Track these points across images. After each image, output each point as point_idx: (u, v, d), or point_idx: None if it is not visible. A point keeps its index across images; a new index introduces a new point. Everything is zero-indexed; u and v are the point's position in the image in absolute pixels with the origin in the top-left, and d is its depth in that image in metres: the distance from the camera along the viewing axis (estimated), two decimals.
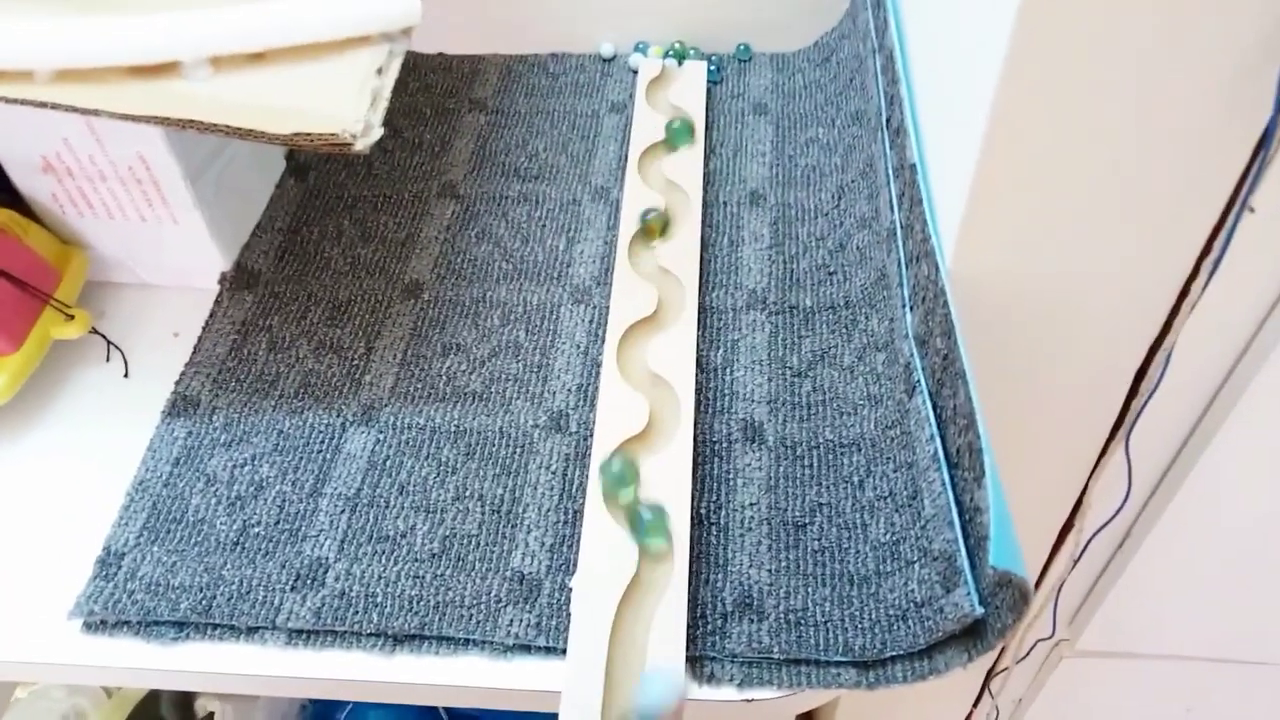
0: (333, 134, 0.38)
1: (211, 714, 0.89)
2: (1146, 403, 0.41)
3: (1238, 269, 0.37)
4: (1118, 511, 0.47)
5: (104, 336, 0.51)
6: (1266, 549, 0.53)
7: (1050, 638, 0.61)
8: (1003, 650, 0.64)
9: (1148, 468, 0.48)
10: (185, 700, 0.90)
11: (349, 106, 0.40)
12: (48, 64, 0.39)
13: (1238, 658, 0.64)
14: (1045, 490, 0.49)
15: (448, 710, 0.84)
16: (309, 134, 0.38)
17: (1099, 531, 0.49)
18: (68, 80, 0.39)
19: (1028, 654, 0.63)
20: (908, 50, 0.49)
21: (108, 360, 0.51)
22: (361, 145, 0.39)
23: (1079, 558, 0.51)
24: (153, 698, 0.89)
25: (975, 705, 0.75)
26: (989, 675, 0.68)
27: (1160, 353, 0.39)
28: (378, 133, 0.40)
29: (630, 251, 0.52)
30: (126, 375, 0.50)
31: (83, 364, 0.51)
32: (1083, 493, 0.49)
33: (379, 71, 0.42)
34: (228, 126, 0.38)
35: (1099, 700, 0.73)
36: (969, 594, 0.34)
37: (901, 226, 0.45)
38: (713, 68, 0.65)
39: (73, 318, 0.49)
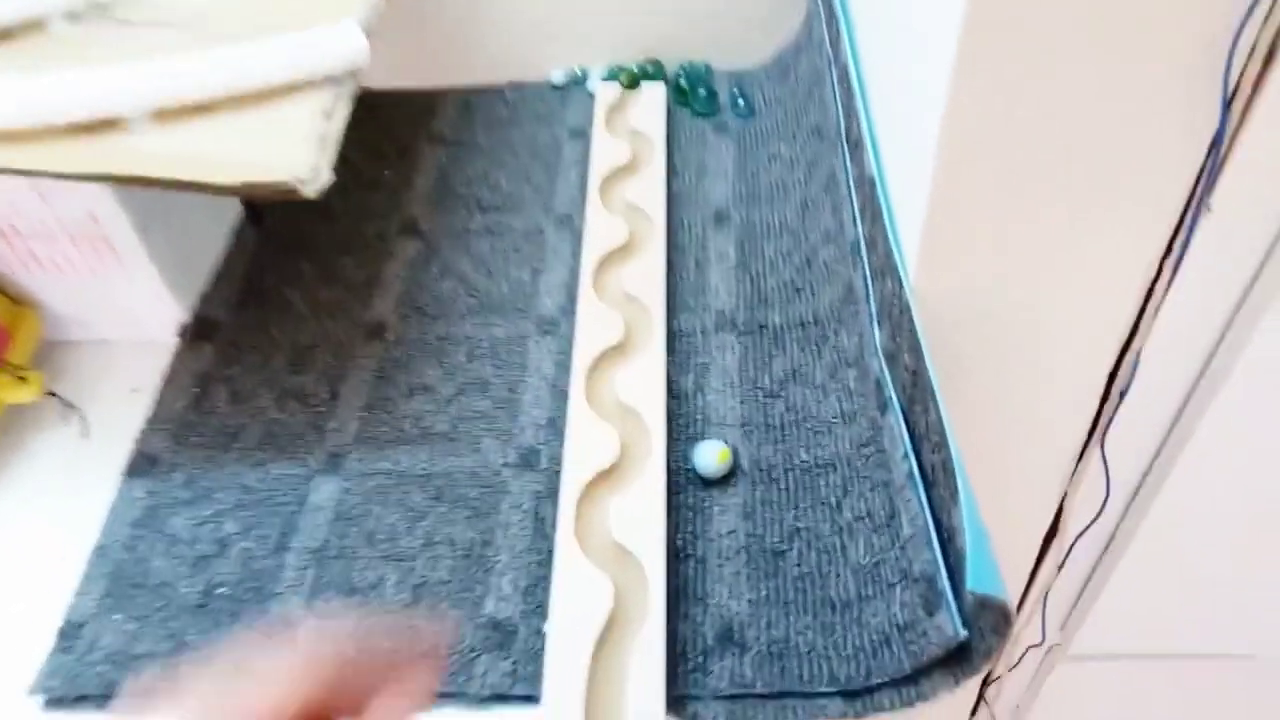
0: (282, 182, 0.38)
1: None
2: (1119, 406, 0.41)
3: (1201, 268, 0.36)
4: (1098, 515, 0.47)
5: (59, 397, 0.50)
6: (1252, 540, 0.52)
7: (1041, 644, 0.61)
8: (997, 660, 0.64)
9: (1126, 470, 0.47)
10: None
11: (297, 153, 0.39)
12: None
13: (1231, 651, 0.63)
14: (1026, 498, 0.49)
15: None
16: (257, 183, 0.37)
17: (1081, 535, 0.49)
18: (6, 141, 0.38)
19: (1019, 661, 0.62)
20: (862, 62, 0.48)
21: (66, 420, 0.50)
22: (311, 191, 0.38)
23: (1063, 563, 0.50)
24: None
25: (973, 715, 0.74)
26: (984, 684, 0.67)
27: (1129, 355, 0.39)
28: (328, 177, 0.39)
29: (595, 279, 0.52)
30: (85, 435, 0.49)
31: (39, 426, 0.49)
32: (1063, 499, 0.48)
33: (326, 115, 0.41)
34: (174, 181, 0.37)
35: (1096, 703, 0.72)
36: (951, 617, 0.33)
37: (864, 241, 0.45)
38: (739, 98, 0.63)
39: (26, 380, 0.48)
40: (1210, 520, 0.49)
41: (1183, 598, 0.55)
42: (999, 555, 0.31)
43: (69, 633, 0.41)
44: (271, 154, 0.39)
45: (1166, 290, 0.37)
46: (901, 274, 0.38)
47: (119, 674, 0.39)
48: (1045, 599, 0.54)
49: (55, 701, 0.39)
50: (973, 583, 0.30)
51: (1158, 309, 0.37)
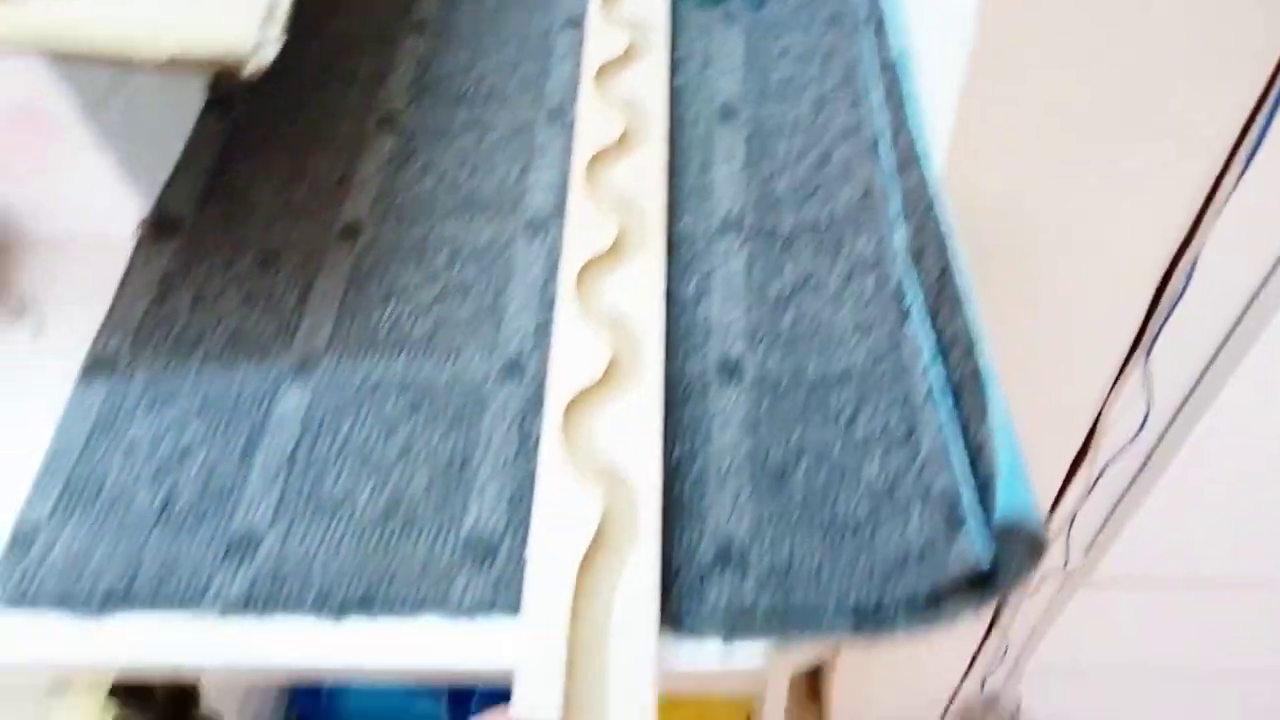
0: (217, 56, 0.33)
1: (199, 677, 0.86)
2: (1169, 317, 0.37)
3: (1273, 164, 0.32)
4: (1136, 435, 0.43)
5: (12, 295, 0.46)
6: None
7: (1064, 568, 0.58)
8: None
9: (1169, 388, 0.43)
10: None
11: (237, 22, 0.34)
12: None
13: (1257, 576, 0.60)
14: (1058, 416, 0.45)
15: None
16: (189, 57, 0.33)
17: (1115, 457, 0.45)
18: None
19: (1038, 586, 0.59)
20: None
21: (18, 320, 0.46)
22: (252, 68, 0.34)
23: (1092, 488, 0.47)
24: None
25: (984, 641, 0.72)
26: (997, 610, 0.65)
27: (1184, 261, 0.35)
28: (272, 53, 0.35)
29: (588, 178, 0.47)
30: (37, 337, 0.46)
31: None
32: (1097, 418, 0.44)
33: None
34: (93, 52, 0.32)
35: (1115, 631, 0.69)
36: (972, 543, 0.30)
37: (889, 133, 0.40)
38: None
39: None
40: (1254, 446, 0.45)
41: (1216, 523, 0.52)
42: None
43: (21, 539, 0.38)
44: (209, 24, 0.34)
45: (1234, 187, 0.32)
46: (926, 164, 0.33)
47: (73, 584, 0.36)
48: (1071, 522, 0.51)
49: (7, 604, 0.36)
50: (1003, 505, 0.26)
51: (1221, 209, 0.32)
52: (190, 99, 0.52)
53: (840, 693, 0.89)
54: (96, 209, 0.47)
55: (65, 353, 0.44)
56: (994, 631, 0.70)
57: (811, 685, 1.02)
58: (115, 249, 0.47)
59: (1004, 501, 0.26)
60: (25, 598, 0.36)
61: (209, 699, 0.85)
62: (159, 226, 0.48)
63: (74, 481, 0.40)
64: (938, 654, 0.77)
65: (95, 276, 0.47)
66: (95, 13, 0.34)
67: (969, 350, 0.30)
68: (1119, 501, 0.53)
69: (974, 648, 0.75)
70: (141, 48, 0.32)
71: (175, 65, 0.32)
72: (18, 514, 0.39)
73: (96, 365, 0.43)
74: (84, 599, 0.36)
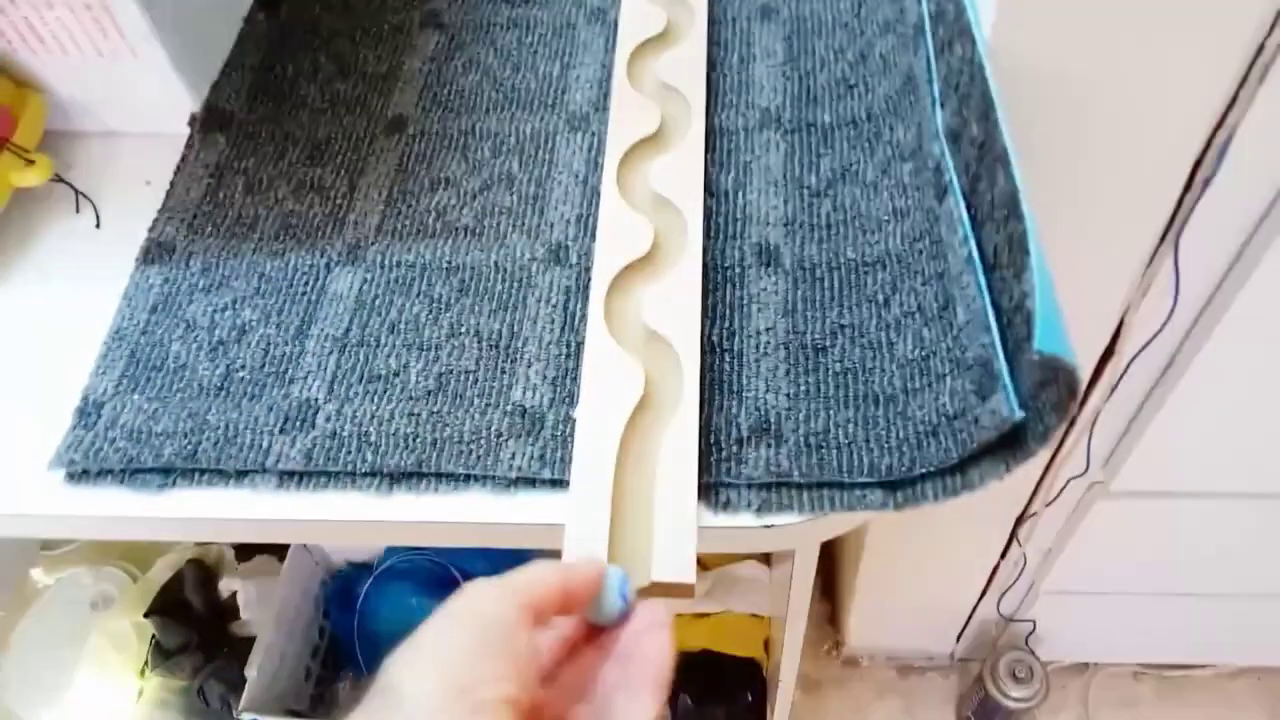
0: None
1: (234, 593, 0.89)
2: (1199, 199, 0.37)
3: None
4: (1162, 328, 0.44)
5: (71, 185, 0.48)
6: None
7: (1083, 475, 0.59)
8: (1033, 493, 0.62)
9: (1197, 279, 0.44)
10: (208, 581, 0.91)
11: None
12: None
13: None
14: (1084, 310, 0.45)
15: (467, 578, 0.84)
16: None
17: (1140, 354, 0.46)
18: None
19: (1059, 495, 0.60)
20: None
21: (77, 211, 0.48)
22: None
23: (1117, 385, 0.48)
24: (176, 581, 0.90)
25: (1003, 555, 0.73)
26: (1018, 521, 0.66)
27: (1219, 136, 0.35)
28: None
29: (630, 69, 0.48)
30: (98, 225, 0.47)
31: (51, 215, 0.48)
32: (1124, 313, 0.45)
33: None
34: None
35: (1132, 546, 0.70)
36: (1007, 398, 0.31)
37: (931, 16, 0.41)
38: None
39: (33, 163, 0.46)
40: (1278, 346, 0.46)
41: (1247, 431, 0.53)
42: None
43: (88, 410, 0.40)
44: None
45: (1273, 60, 0.33)
46: (977, 34, 0.34)
47: (139, 450, 0.38)
48: (1092, 426, 0.52)
49: (76, 476, 0.38)
50: (1041, 343, 0.27)
51: (1262, 78, 0.33)
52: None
53: (857, 616, 0.91)
54: (151, 102, 0.49)
55: (123, 240, 0.46)
56: (1011, 549, 0.71)
57: (828, 609, 1.04)
58: (169, 142, 0.49)
59: (1042, 341, 0.27)
60: (94, 462, 0.38)
61: (244, 613, 0.89)
62: (210, 120, 0.49)
63: (138, 356, 0.41)
64: (955, 574, 0.79)
65: (150, 167, 0.49)
66: None
67: (1009, 214, 0.31)
68: (1141, 405, 0.53)
69: (991, 566, 0.76)
70: None
71: None
72: (84, 387, 0.41)
73: (155, 250, 0.45)
74: (150, 463, 0.38)
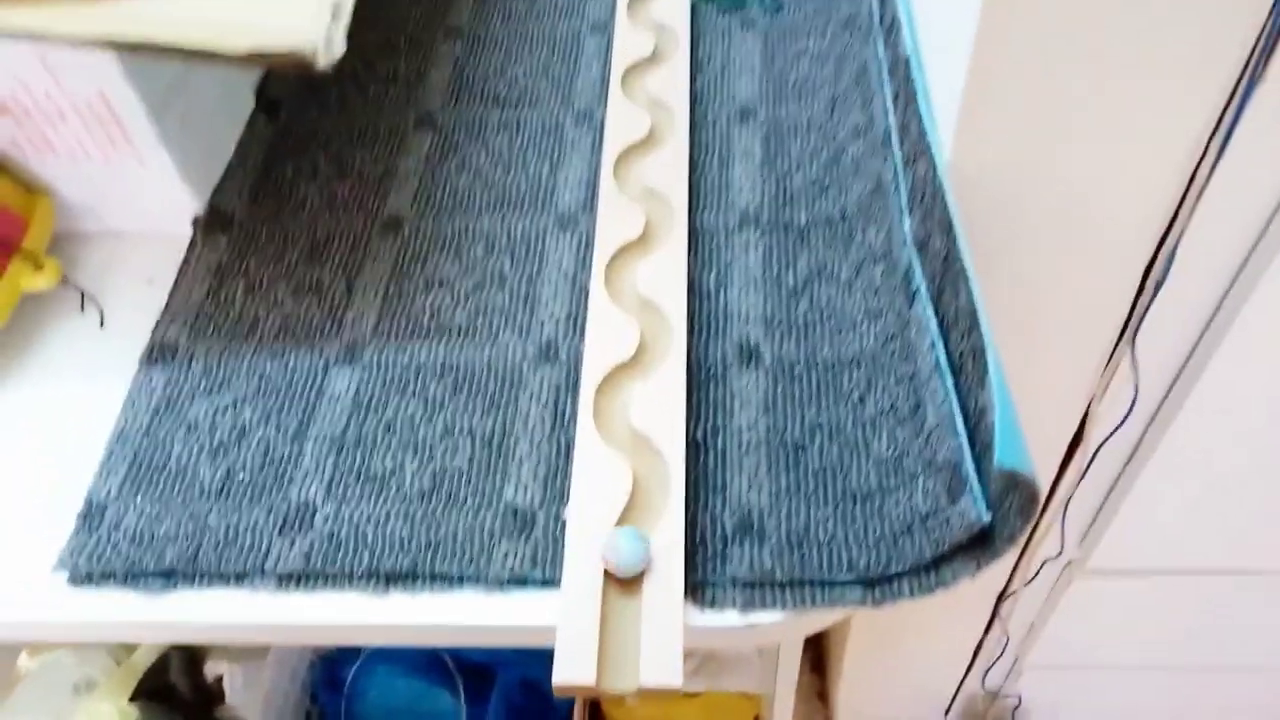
0: (294, 50, 0.36)
1: (220, 677, 0.89)
2: (1153, 300, 0.39)
3: (1249, 148, 0.35)
4: (1125, 418, 0.46)
5: (77, 286, 0.49)
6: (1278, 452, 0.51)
7: (1059, 556, 0.60)
8: (1012, 573, 0.63)
9: (1156, 373, 0.46)
10: (194, 665, 0.90)
11: (309, 21, 0.38)
12: None
13: (1251, 568, 0.62)
14: (1051, 402, 0.48)
15: (456, 662, 0.84)
16: (267, 51, 0.36)
17: (1106, 441, 0.48)
18: (9, 4, 0.37)
19: (1036, 575, 0.62)
20: None
21: (82, 311, 0.49)
22: (324, 62, 0.37)
23: (1086, 471, 0.50)
24: (161, 664, 0.89)
25: (986, 632, 0.74)
26: (999, 600, 0.67)
27: (1167, 245, 0.37)
28: (340, 48, 0.38)
29: (616, 173, 0.50)
30: (102, 325, 0.49)
31: (56, 316, 0.49)
32: (1089, 404, 0.47)
33: None
34: (183, 47, 0.36)
35: (1112, 621, 0.72)
36: (975, 501, 0.33)
37: (896, 129, 0.43)
38: None
39: (42, 268, 0.47)
40: (1239, 428, 0.48)
41: (1213, 510, 0.55)
42: None
43: (91, 513, 0.41)
44: (283, 21, 0.37)
45: (1211, 172, 0.35)
46: (935, 155, 0.36)
47: (142, 553, 0.39)
48: (1065, 510, 0.53)
49: (79, 579, 0.39)
50: (1001, 457, 0.29)
51: (1200, 193, 0.35)
52: (241, 102, 0.56)
53: (846, 691, 0.91)
54: (156, 205, 0.51)
55: (127, 340, 0.47)
56: (994, 626, 0.72)
57: (818, 684, 1.04)
58: (172, 242, 0.51)
59: (1002, 455, 0.29)
60: (97, 565, 0.39)
61: (231, 697, 0.88)
62: (213, 221, 0.51)
63: (140, 458, 0.43)
64: (940, 651, 0.79)
65: (153, 266, 0.50)
66: (179, 10, 0.37)
67: (971, 326, 0.33)
68: (1112, 488, 0.55)
69: (975, 643, 0.77)
70: (225, 42, 0.35)
71: (253, 59, 0.35)
72: (88, 489, 0.42)
73: (158, 351, 0.46)
74: (152, 566, 0.39)
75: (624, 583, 0.36)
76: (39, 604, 0.39)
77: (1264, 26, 0.30)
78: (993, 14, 0.31)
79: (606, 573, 0.36)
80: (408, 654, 0.85)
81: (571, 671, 0.34)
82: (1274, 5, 0.30)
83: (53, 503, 0.41)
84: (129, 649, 0.92)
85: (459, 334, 0.46)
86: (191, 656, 0.89)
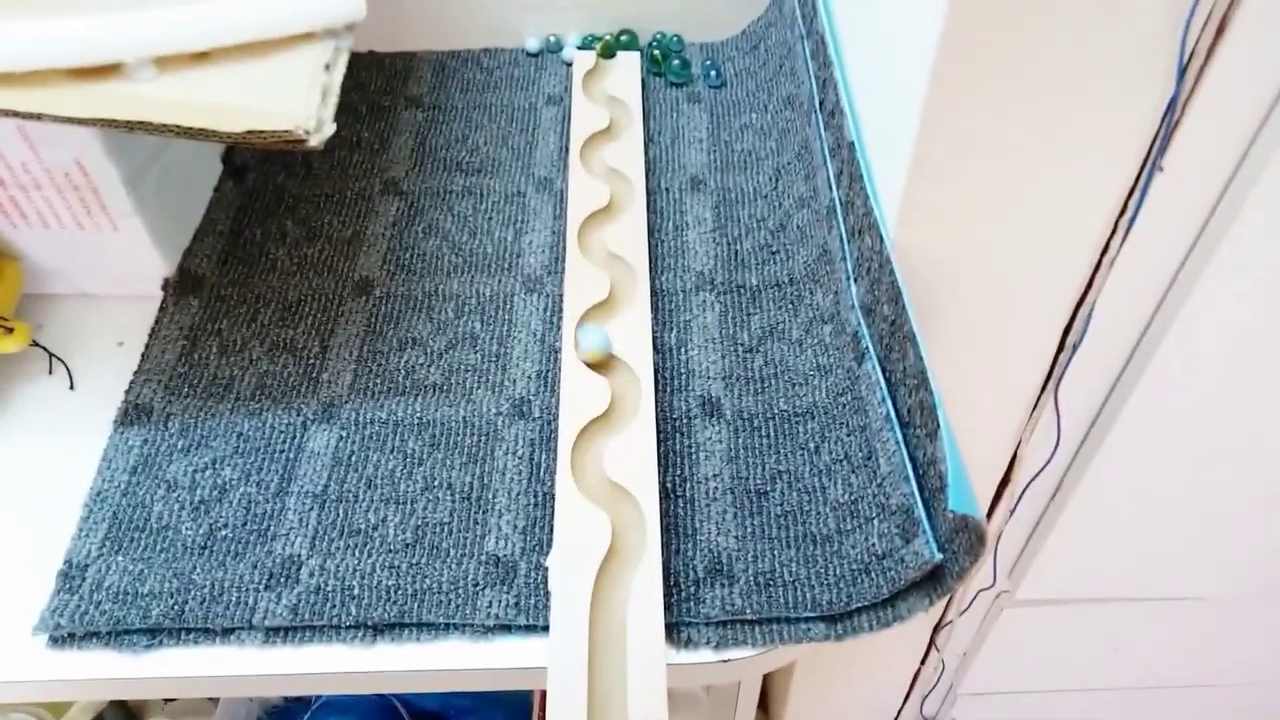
0: (286, 130, 0.39)
1: None
2: (1072, 357, 0.44)
3: (1152, 227, 0.40)
4: (1048, 462, 0.51)
5: (45, 349, 0.50)
6: (1194, 486, 0.57)
7: (991, 588, 0.65)
8: (948, 604, 0.68)
9: (1076, 419, 0.51)
10: (130, 714, 0.88)
11: (300, 103, 0.40)
12: None
13: (1161, 595, 0.68)
14: (984, 447, 0.52)
15: (409, 709, 0.84)
16: (262, 131, 0.38)
17: (1033, 481, 0.53)
18: (5, 84, 0.38)
19: (970, 605, 0.66)
20: (838, 34, 0.51)
21: (50, 373, 0.50)
22: (316, 141, 0.39)
23: (1014, 508, 0.54)
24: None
25: (923, 661, 0.78)
26: (935, 629, 0.72)
27: (1083, 309, 0.43)
28: (330, 128, 0.40)
29: (580, 240, 0.53)
30: (72, 387, 0.49)
31: (25, 379, 0.49)
32: (1017, 447, 0.52)
33: (327, 67, 0.42)
34: (179, 127, 0.38)
35: (1038, 647, 0.77)
36: (927, 542, 0.36)
37: (841, 203, 0.48)
38: (711, 69, 0.65)
39: (11, 330, 0.48)
40: (1153, 466, 0.53)
41: (1128, 543, 0.60)
42: None
43: (72, 574, 0.41)
44: (275, 103, 0.40)
45: (1120, 247, 0.40)
46: (883, 230, 0.40)
47: (125, 612, 0.40)
48: (996, 544, 0.58)
49: (61, 640, 0.40)
50: (954, 503, 0.33)
51: (1111, 264, 0.40)
52: (209, 167, 0.57)
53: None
54: (126, 268, 0.51)
55: (98, 401, 0.48)
56: (930, 655, 0.77)
57: (764, 713, 1.07)
58: (142, 305, 0.51)
59: (953, 501, 0.33)
60: (80, 625, 0.39)
61: None
62: (184, 284, 0.52)
63: (120, 517, 0.43)
64: (881, 679, 0.83)
65: (123, 328, 0.51)
66: (170, 93, 0.39)
67: (919, 384, 0.37)
68: (1037, 523, 0.60)
69: (913, 671, 0.81)
70: (223, 123, 0.37)
71: (251, 138, 0.38)
72: (67, 550, 0.42)
73: (133, 412, 0.47)
74: (137, 624, 0.40)
75: (608, 626, 0.39)
76: (19, 667, 0.39)
77: (1159, 127, 0.36)
78: (934, 112, 0.35)
79: (591, 616, 0.39)
80: (358, 704, 0.84)
81: (563, 715, 0.36)
82: (1165, 112, 0.35)
83: (27, 564, 0.42)
84: (59, 709, 0.89)
85: (434, 391, 0.48)
86: (128, 716, 0.87)
